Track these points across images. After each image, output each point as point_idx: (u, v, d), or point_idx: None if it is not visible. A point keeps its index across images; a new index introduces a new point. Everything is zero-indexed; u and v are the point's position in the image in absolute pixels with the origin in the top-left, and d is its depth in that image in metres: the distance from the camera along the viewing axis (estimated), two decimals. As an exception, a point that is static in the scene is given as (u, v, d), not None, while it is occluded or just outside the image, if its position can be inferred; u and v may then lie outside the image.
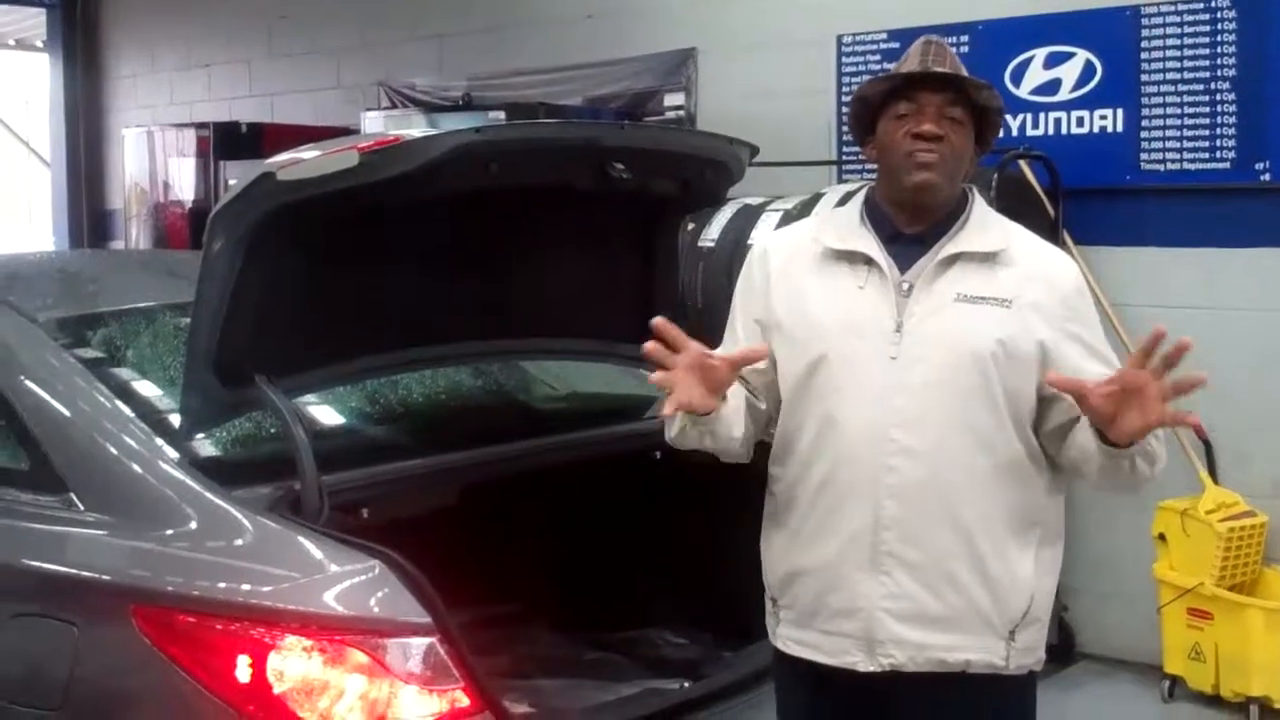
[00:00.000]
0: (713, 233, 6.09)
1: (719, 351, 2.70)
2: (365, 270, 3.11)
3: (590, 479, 3.83)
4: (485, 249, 3.33)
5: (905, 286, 2.70)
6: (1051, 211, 5.81)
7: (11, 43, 13.23)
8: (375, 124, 7.40)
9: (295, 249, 2.91)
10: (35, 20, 11.76)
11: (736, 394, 2.72)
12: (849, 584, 2.69)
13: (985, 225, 2.76)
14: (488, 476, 3.52)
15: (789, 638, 2.81)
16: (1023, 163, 5.86)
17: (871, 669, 2.69)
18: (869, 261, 2.72)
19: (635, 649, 3.92)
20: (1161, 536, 5.47)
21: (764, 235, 2.98)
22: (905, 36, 6.22)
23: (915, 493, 2.64)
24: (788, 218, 5.72)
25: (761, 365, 2.76)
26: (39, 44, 11.70)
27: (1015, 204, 5.51)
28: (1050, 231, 5.71)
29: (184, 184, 8.80)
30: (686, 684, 3.48)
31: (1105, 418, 2.50)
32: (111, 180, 10.57)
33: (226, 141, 8.42)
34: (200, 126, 8.70)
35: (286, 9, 9.35)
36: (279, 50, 9.41)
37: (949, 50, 2.74)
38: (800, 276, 2.78)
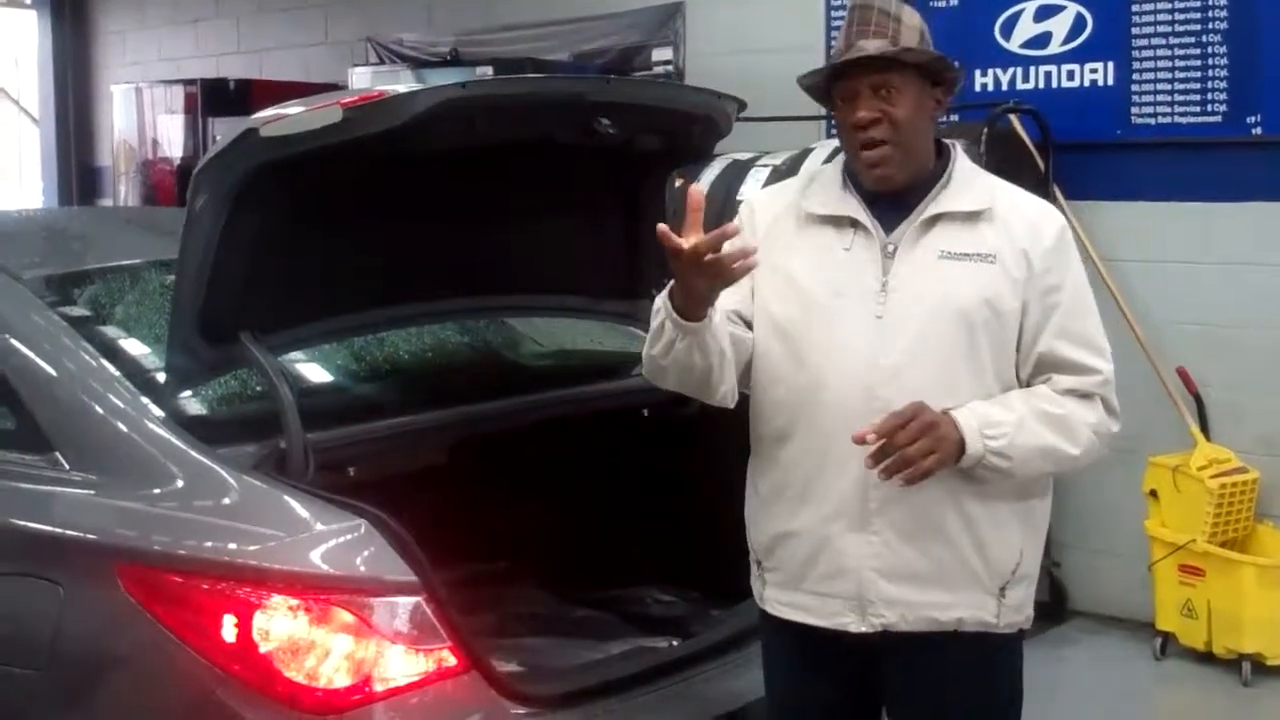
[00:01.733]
0: (701, 188, 6.01)
1: (719, 303, 2.66)
2: (351, 227, 3.09)
3: (578, 436, 3.82)
4: (471, 205, 3.30)
5: (890, 248, 2.68)
6: (1042, 166, 5.81)
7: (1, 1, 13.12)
8: (363, 80, 7.38)
9: (280, 205, 2.89)
10: (22, -23, 11.66)
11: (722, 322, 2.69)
12: (838, 545, 2.68)
13: (968, 183, 2.74)
14: (475, 434, 3.50)
15: (777, 600, 2.80)
16: (1013, 117, 5.83)
17: (863, 629, 2.68)
18: (855, 224, 2.71)
19: (624, 607, 3.91)
20: (1153, 493, 5.48)
21: (751, 193, 2.93)
22: (896, -10, 6.19)
23: None
24: (777, 173, 5.69)
25: (748, 314, 2.76)
26: (26, 1, 11.60)
27: (1005, 158, 5.52)
28: (1041, 186, 5.70)
29: (172, 141, 8.76)
30: (675, 642, 3.49)
31: None
32: (100, 137, 10.52)
33: (214, 98, 8.38)
34: (188, 83, 8.66)
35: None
36: (267, 6, 9.35)
37: (876, 8, 2.67)
38: (786, 239, 2.76)
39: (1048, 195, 5.68)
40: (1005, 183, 2.81)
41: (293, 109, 2.79)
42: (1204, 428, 5.56)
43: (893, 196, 2.71)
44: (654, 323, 2.65)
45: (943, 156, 2.76)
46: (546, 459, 3.92)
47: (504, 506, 3.93)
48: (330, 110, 2.72)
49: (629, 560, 4.01)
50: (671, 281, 2.57)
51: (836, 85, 2.68)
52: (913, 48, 2.66)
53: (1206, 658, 5.37)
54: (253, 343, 2.95)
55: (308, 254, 3.03)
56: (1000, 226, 2.68)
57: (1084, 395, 2.69)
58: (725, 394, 2.73)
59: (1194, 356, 5.63)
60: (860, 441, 2.51)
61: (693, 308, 2.53)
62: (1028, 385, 2.70)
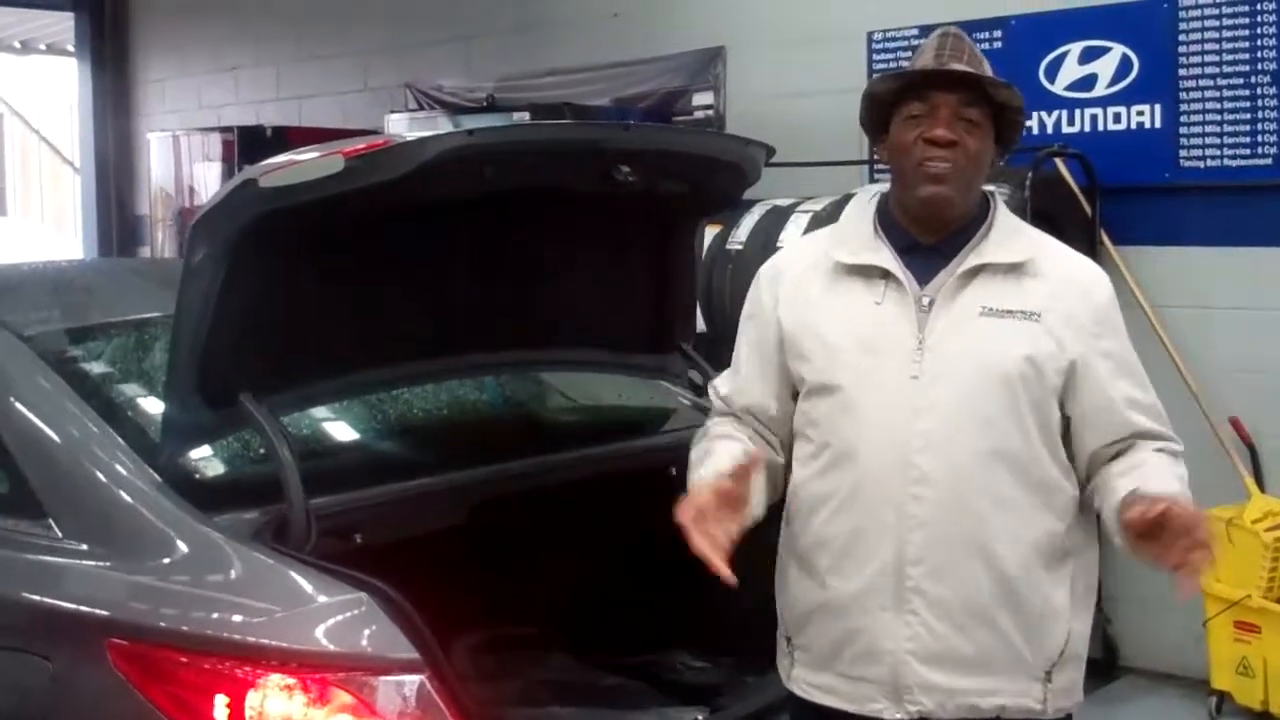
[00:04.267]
0: (741, 235, 5.96)
1: (728, 373, 2.63)
2: (360, 280, 2.97)
3: (604, 496, 3.68)
4: (488, 256, 3.19)
5: (926, 301, 2.52)
6: (1089, 211, 5.65)
7: (42, 47, 13.22)
8: (399, 126, 7.30)
9: (283, 258, 2.77)
10: (65, 25, 11.71)
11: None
12: (872, 624, 2.51)
13: (1010, 234, 2.58)
14: (495, 495, 3.38)
15: (806, 681, 2.64)
16: (1059, 161, 5.68)
17: (898, 717, 2.51)
18: (886, 275, 2.55)
19: (654, 673, 3.75)
20: (1206, 547, 5.27)
21: (775, 255, 2.79)
22: (937, 32, 6.08)
23: (942, 523, 2.46)
24: (817, 219, 5.57)
25: (773, 410, 2.64)
26: (69, 48, 11.65)
27: (1051, 203, 5.40)
28: (1087, 231, 5.59)
29: (209, 189, 8.69)
30: (704, 714, 3.34)
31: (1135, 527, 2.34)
32: (140, 186, 10.51)
33: (250, 146, 8.29)
34: (225, 130, 8.61)
35: (314, 11, 9.25)
36: (307, 53, 9.32)
37: (968, 43, 2.56)
38: (813, 295, 2.61)
39: (1094, 240, 5.58)
40: (1049, 236, 2.66)
41: (294, 158, 2.68)
42: (1258, 479, 5.37)
43: (930, 245, 2.55)
44: None
45: (983, 207, 2.61)
46: (573, 519, 3.78)
47: (529, 569, 3.79)
48: (332, 160, 2.61)
49: (661, 624, 3.87)
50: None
51: (910, 101, 2.51)
52: (1010, 84, 2.53)
53: (1264, 717, 5.16)
54: (253, 403, 2.82)
55: (313, 309, 2.91)
56: (1045, 283, 2.53)
57: (1174, 455, 2.56)
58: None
59: (1247, 406, 5.44)
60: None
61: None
62: (1097, 453, 2.53)
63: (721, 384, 2.77)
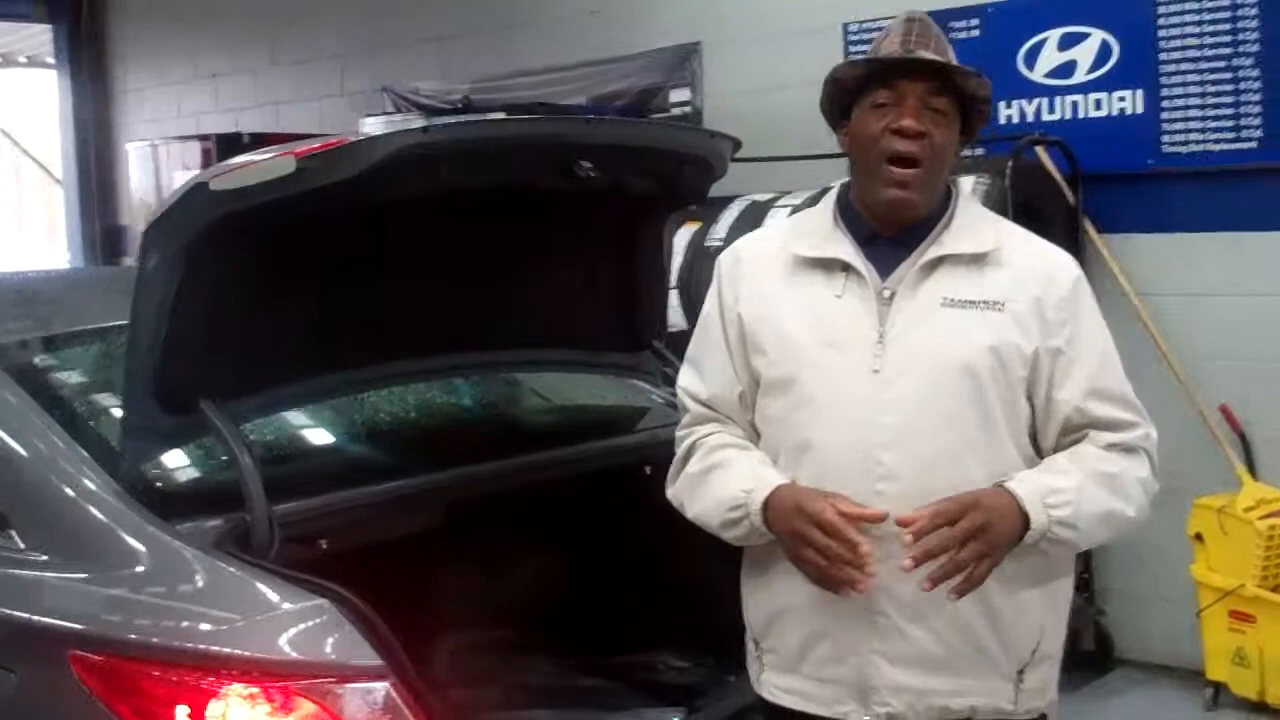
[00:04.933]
0: (720, 231, 5.91)
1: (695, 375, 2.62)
2: (319, 283, 2.92)
3: (579, 497, 3.64)
4: (453, 256, 3.13)
5: (887, 294, 2.46)
6: (1071, 199, 5.59)
7: (23, 60, 13.15)
8: (374, 129, 7.22)
9: (238, 262, 2.72)
10: (44, 37, 11.66)
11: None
12: (838, 624, 2.45)
13: (973, 224, 2.52)
14: (467, 497, 3.32)
15: (774, 685, 2.58)
16: (1039, 149, 5.63)
17: (867, 718, 2.45)
18: (847, 268, 2.48)
19: (634, 675, 3.71)
20: (1198, 536, 5.21)
21: (735, 243, 2.72)
22: (915, 22, 6.03)
23: None
24: (796, 213, 5.51)
25: (741, 408, 2.59)
26: (49, 60, 11.59)
27: (1032, 192, 5.35)
28: (1071, 219, 5.54)
29: (189, 198, 8.66)
30: (683, 714, 3.30)
31: None
32: (122, 196, 10.47)
33: (230, 153, 8.19)
34: (203, 139, 8.57)
35: (290, 16, 9.20)
36: (283, 58, 9.27)
37: (934, 29, 2.49)
38: (772, 288, 2.54)
39: (1078, 228, 5.53)
40: (1015, 225, 2.60)
41: (246, 160, 2.63)
42: (1250, 467, 5.31)
43: (891, 236, 2.49)
44: (731, 523, 2.48)
45: (945, 196, 2.55)
46: (550, 521, 3.74)
47: (506, 571, 3.76)
48: (284, 160, 2.56)
49: (641, 624, 3.82)
50: (766, 494, 2.42)
51: (875, 89, 2.43)
52: (979, 72, 2.45)
53: (1260, 707, 5.11)
54: (213, 410, 2.77)
55: (273, 313, 2.86)
56: (1009, 271, 2.46)
57: (1128, 449, 2.46)
58: None
59: (1237, 393, 5.38)
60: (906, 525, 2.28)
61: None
62: (1057, 448, 2.47)
63: (694, 387, 2.66)
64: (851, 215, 2.53)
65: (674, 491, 2.65)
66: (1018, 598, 2.45)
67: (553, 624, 3.81)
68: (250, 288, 2.78)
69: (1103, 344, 2.51)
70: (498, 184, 2.90)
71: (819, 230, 2.54)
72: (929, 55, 2.42)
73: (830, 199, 2.58)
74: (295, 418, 3.40)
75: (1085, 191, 5.60)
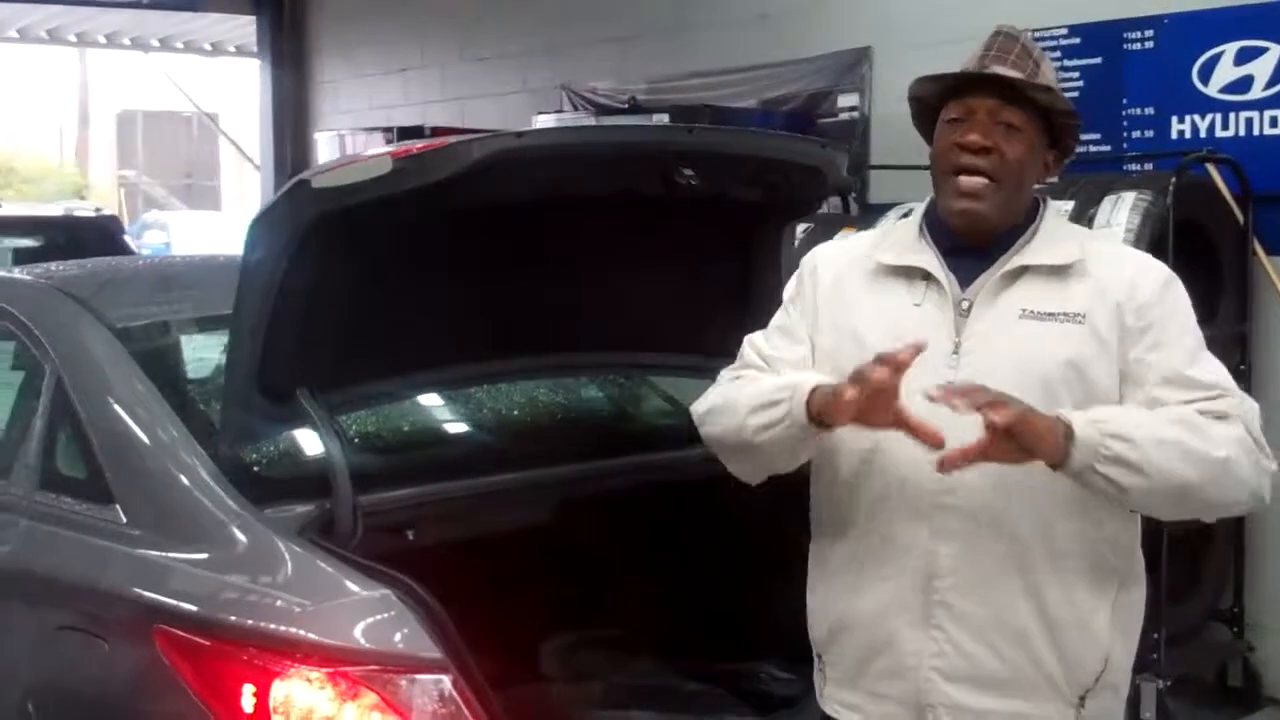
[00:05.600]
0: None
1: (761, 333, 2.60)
2: (417, 280, 2.97)
3: (690, 500, 3.63)
4: (557, 258, 3.16)
5: (965, 304, 2.43)
6: (1241, 219, 5.39)
7: (231, 49, 13.66)
8: (544, 125, 7.34)
9: (339, 258, 2.79)
10: (252, 27, 12.08)
11: None
12: (897, 639, 2.42)
13: (1057, 237, 2.47)
14: (566, 496, 3.36)
15: (835, 699, 2.57)
16: (1210, 166, 5.44)
17: None
18: (927, 277, 2.46)
19: (736, 682, 3.70)
20: (1353, 573, 5.02)
21: (818, 247, 2.70)
22: (1087, 32, 5.89)
23: (974, 536, 2.36)
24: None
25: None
26: (255, 50, 12.02)
27: (1198, 211, 5.17)
28: (1239, 240, 5.35)
29: (372, 187, 8.88)
30: None
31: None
32: (313, 183, 10.77)
33: (411, 145, 8.45)
34: (386, 130, 8.77)
35: (479, 13, 9.38)
36: (470, 54, 9.46)
37: (1019, 42, 2.46)
38: (852, 294, 2.53)
39: (1246, 250, 5.33)
40: (1103, 238, 2.56)
41: (347, 159, 2.71)
42: None
43: (975, 248, 2.45)
44: (769, 405, 2.40)
45: (1033, 208, 2.50)
46: (661, 523, 3.75)
47: (618, 570, 3.77)
48: (381, 161, 2.63)
49: (750, 633, 3.81)
50: (815, 381, 2.36)
51: (950, 103, 2.43)
52: (1051, 87, 2.42)
53: None
54: (309, 400, 2.86)
55: (371, 309, 2.94)
56: (1091, 283, 2.40)
57: (1218, 415, 2.32)
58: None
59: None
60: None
61: (841, 418, 2.30)
62: None
63: (758, 341, 2.64)
64: (937, 226, 2.50)
65: (699, 402, 2.61)
66: (1085, 622, 2.39)
67: (663, 627, 3.83)
68: (349, 282, 2.85)
69: (1191, 344, 2.41)
70: (599, 190, 2.93)
71: (904, 239, 2.53)
72: (1004, 70, 2.39)
73: (919, 209, 2.56)
74: (395, 410, 3.48)
75: (1256, 211, 5.40)
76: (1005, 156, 2.38)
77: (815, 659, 2.64)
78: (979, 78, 2.40)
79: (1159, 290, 2.41)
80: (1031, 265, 2.42)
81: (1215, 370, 2.40)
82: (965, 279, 2.45)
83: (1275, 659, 5.52)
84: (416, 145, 2.71)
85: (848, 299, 2.53)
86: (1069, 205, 4.96)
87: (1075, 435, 2.20)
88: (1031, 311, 2.39)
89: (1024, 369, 2.35)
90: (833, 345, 2.51)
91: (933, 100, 2.48)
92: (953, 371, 2.38)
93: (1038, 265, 2.42)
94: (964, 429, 2.25)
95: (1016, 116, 2.39)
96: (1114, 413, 2.29)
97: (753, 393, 2.46)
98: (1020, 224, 2.47)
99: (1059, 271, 2.42)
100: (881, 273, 2.51)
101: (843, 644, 2.53)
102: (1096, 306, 2.38)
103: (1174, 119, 5.72)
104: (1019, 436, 2.18)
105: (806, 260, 2.66)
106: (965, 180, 2.39)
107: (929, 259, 2.47)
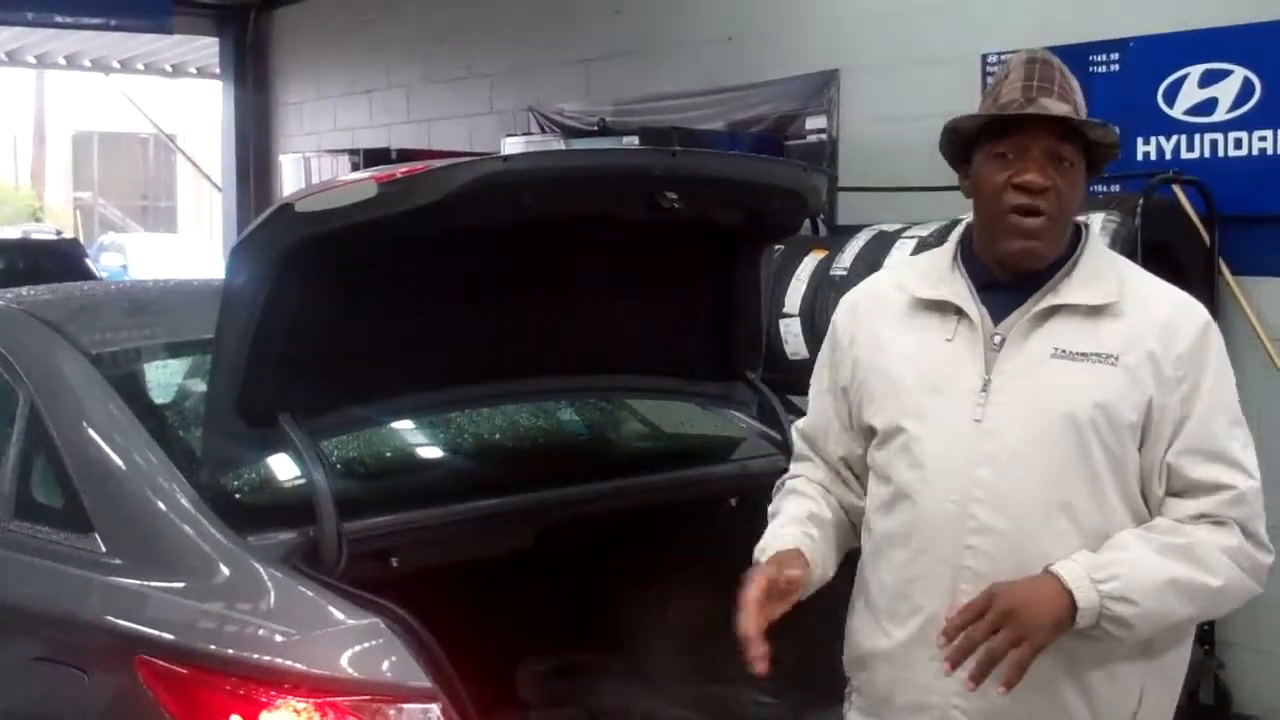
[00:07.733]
0: (845, 261, 5.84)
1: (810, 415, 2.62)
2: (401, 305, 2.97)
3: (662, 526, 3.63)
4: (538, 282, 3.16)
5: (996, 340, 2.37)
6: (1207, 240, 5.43)
7: (193, 70, 13.60)
8: (514, 148, 7.34)
9: (321, 283, 2.78)
10: (214, 49, 12.04)
11: (824, 533, 2.52)
12: (921, 675, 2.38)
13: (1096, 273, 2.39)
14: (549, 521, 3.35)
15: None
16: (1176, 187, 5.48)
17: None
18: (960, 311, 2.40)
19: (717, 707, 3.69)
20: (1323, 590, 5.04)
21: (851, 291, 2.66)
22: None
23: (997, 577, 2.28)
24: (924, 244, 5.43)
25: (847, 453, 2.57)
26: (217, 72, 11.97)
27: (1165, 232, 5.20)
28: (1206, 261, 5.38)
29: (337, 209, 8.85)
30: None
31: None
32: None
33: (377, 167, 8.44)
34: (352, 152, 8.78)
35: (444, 35, 9.37)
36: (436, 76, 9.46)
37: (1056, 68, 2.36)
38: (885, 329, 2.48)
39: (1212, 270, 5.36)
40: (1142, 271, 2.48)
41: (330, 183, 2.70)
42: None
43: (1010, 282, 2.40)
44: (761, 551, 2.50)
45: (1073, 238, 2.44)
46: (637, 546, 3.74)
47: (596, 595, 3.76)
48: (365, 186, 2.63)
49: (727, 656, 3.80)
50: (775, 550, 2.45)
51: (996, 140, 2.32)
52: (1105, 124, 2.35)
53: (1390, 769, 4.94)
54: (292, 426, 2.83)
55: (354, 334, 2.92)
56: (1127, 322, 2.34)
57: (1216, 522, 2.30)
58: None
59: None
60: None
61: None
62: (1162, 507, 2.35)
63: (800, 422, 2.68)
64: (971, 258, 2.45)
65: None
66: (1112, 669, 2.35)
67: (641, 651, 3.81)
68: (332, 307, 2.84)
69: (1220, 397, 2.36)
70: (582, 213, 2.92)
71: (936, 270, 2.48)
72: (1053, 103, 2.30)
73: (953, 239, 2.50)
74: (377, 436, 3.46)
75: (1222, 232, 5.44)
76: (1063, 194, 2.32)
77: (846, 682, 2.62)
78: (1030, 119, 2.30)
79: (1197, 338, 2.36)
80: (1067, 304, 2.36)
81: (1241, 441, 2.37)
82: (998, 314, 2.40)
83: (1245, 676, 5.55)
84: (400, 170, 2.70)
85: (882, 336, 2.48)
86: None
87: (1078, 606, 2.20)
88: (1064, 351, 2.34)
89: (1051, 409, 2.31)
90: (866, 386, 2.49)
91: (972, 131, 2.39)
92: (980, 409, 2.35)
93: (1073, 304, 2.36)
94: (1001, 459, 2.32)
95: (1069, 150, 2.32)
96: (1112, 562, 2.26)
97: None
98: (1062, 254, 2.41)
99: (1095, 311, 2.36)
100: (916, 306, 2.46)
101: (870, 673, 2.51)
102: (1131, 348, 2.32)
103: (1140, 141, 5.74)
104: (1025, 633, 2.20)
105: (842, 304, 2.62)
106: (1029, 221, 2.32)
107: (961, 292, 2.42)
